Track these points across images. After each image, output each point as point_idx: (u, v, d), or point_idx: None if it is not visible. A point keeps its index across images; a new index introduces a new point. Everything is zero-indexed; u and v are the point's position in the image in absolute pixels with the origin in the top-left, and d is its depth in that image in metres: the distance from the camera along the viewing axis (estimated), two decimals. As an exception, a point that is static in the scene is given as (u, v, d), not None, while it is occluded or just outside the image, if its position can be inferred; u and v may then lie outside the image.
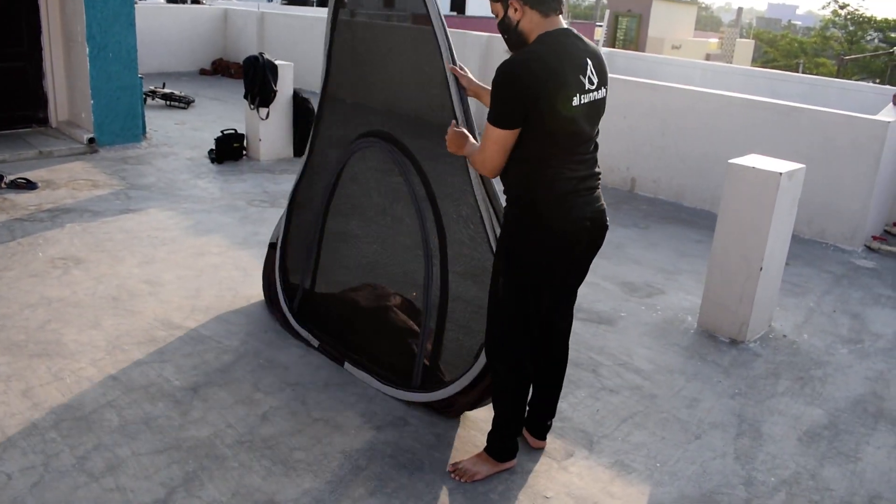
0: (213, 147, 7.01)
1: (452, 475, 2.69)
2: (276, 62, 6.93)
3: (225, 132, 7.01)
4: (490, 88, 2.37)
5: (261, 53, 6.89)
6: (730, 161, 3.94)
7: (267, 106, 6.96)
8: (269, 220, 5.39)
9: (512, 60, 2.29)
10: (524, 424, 2.86)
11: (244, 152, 7.20)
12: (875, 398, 3.57)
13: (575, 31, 2.40)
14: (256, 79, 6.82)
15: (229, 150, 7.01)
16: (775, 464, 2.99)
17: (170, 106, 9.33)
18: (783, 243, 4.07)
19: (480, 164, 2.45)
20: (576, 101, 2.31)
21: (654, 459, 2.93)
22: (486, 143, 2.37)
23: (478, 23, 25.22)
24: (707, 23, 71.09)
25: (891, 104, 5.73)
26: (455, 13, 28.37)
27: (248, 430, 2.90)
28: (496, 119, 2.31)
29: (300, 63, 8.83)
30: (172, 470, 2.63)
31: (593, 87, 2.37)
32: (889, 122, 5.38)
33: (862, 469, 3.00)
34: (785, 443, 3.13)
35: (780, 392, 3.55)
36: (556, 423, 3.06)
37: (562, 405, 3.22)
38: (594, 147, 2.50)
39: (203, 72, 12.34)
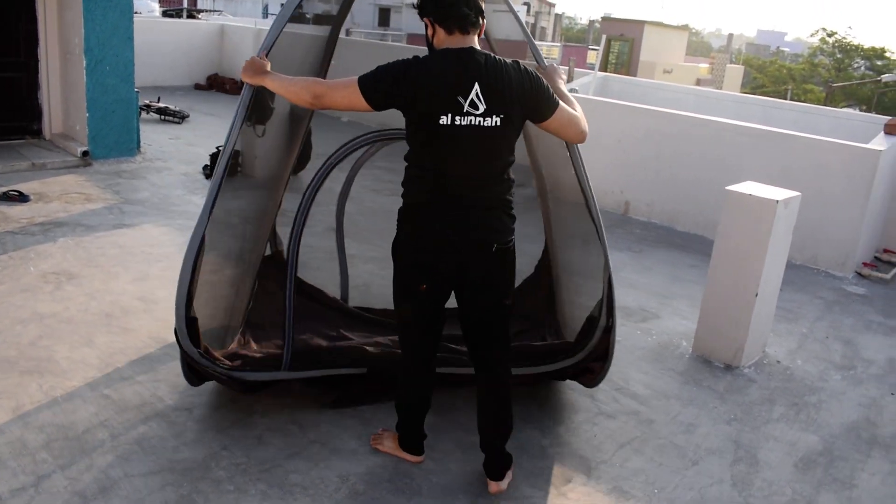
0: (208, 163, 6.99)
1: (372, 438, 2.98)
2: (273, 79, 6.93)
3: (220, 148, 6.99)
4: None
5: (258, 70, 6.90)
6: (727, 188, 3.97)
7: (263, 123, 6.95)
8: (264, 237, 5.37)
9: (415, 57, 2.41)
10: (484, 466, 2.78)
11: (238, 168, 7.17)
12: (869, 424, 3.58)
13: (484, 52, 2.41)
14: (252, 95, 6.81)
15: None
16: (772, 490, 2.98)
17: (164, 120, 9.32)
18: (778, 270, 4.10)
19: (321, 93, 2.48)
20: (444, 121, 2.32)
21: (653, 486, 2.91)
22: (342, 88, 2.43)
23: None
24: (697, 48, 72.01)
25: (882, 133, 5.80)
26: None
27: (244, 453, 2.86)
28: (367, 80, 2.38)
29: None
30: (166, 492, 2.60)
31: (477, 112, 2.34)
32: (881, 150, 5.45)
33: (857, 496, 3.00)
34: (781, 469, 3.13)
35: (775, 418, 3.55)
36: (554, 448, 3.05)
37: (559, 429, 3.22)
38: (491, 176, 2.45)
39: (198, 87, 12.35)
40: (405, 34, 24.36)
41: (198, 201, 6.12)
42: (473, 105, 2.33)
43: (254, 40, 12.14)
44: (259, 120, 7.04)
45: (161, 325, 3.86)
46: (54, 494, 2.53)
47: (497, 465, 2.74)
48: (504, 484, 2.73)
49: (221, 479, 2.70)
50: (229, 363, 3.01)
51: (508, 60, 2.44)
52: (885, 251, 6.18)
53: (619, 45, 30.13)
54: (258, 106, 7.10)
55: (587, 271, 3.41)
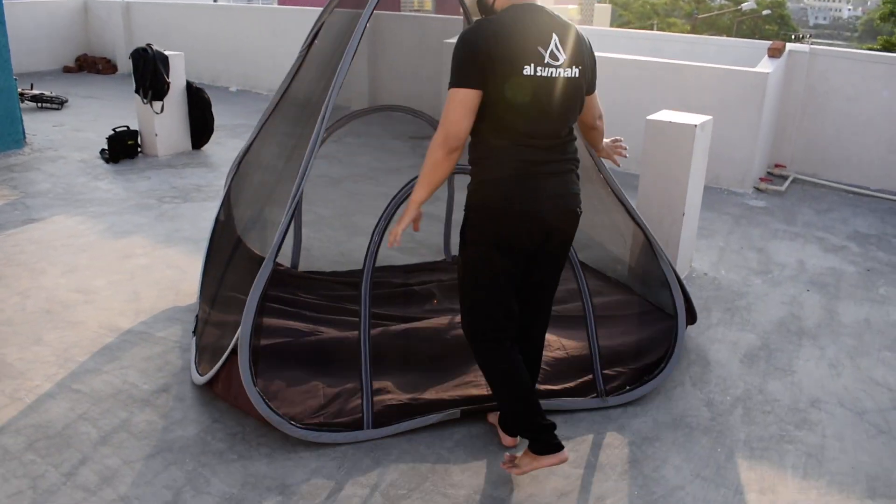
0: (105, 146, 6.63)
1: (505, 466, 2.60)
2: (167, 53, 6.63)
3: (117, 130, 6.64)
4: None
5: (149, 45, 6.57)
6: (648, 117, 4.22)
7: (161, 99, 6.65)
8: (187, 215, 5.22)
9: (468, 28, 2.32)
10: (499, 422, 2.79)
11: (139, 149, 6.86)
12: (794, 319, 3.98)
13: (548, 8, 2.38)
14: (147, 72, 6.50)
15: (124, 147, 6.66)
16: (727, 385, 3.30)
17: (42, 108, 8.70)
18: (699, 189, 4.42)
19: (444, 133, 2.25)
20: (528, 70, 2.23)
21: (625, 395, 3.15)
22: (448, 108, 2.25)
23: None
24: (562, -10, 73.39)
25: (766, 57, 6.27)
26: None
27: (236, 422, 2.86)
28: (456, 80, 2.24)
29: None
30: (171, 472, 2.58)
31: (557, 63, 2.28)
32: (768, 72, 5.90)
33: (798, 380, 3.37)
34: (730, 366, 3.46)
35: (714, 323, 3.89)
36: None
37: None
38: (566, 132, 2.40)
39: (67, 69, 11.53)
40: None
41: (104, 186, 5.84)
42: (553, 56, 2.26)
43: (122, 15, 11.43)
44: (156, 96, 6.76)
45: (108, 313, 3.73)
46: (54, 493, 2.46)
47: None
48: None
49: (222, 450, 2.70)
50: (302, 421, 2.77)
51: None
52: (777, 166, 6.73)
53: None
54: (154, 81, 6.80)
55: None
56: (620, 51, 7.50)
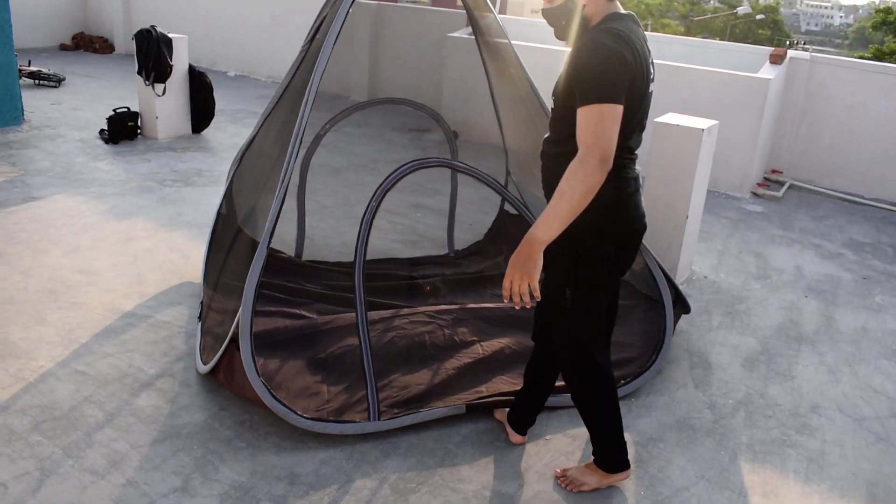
0: (105, 127, 6.58)
1: (560, 480, 2.58)
2: (170, 35, 6.57)
3: (118, 110, 6.59)
4: None
5: (153, 26, 6.51)
6: (656, 120, 4.24)
7: (163, 82, 6.60)
8: (188, 199, 5.20)
9: (603, 37, 2.08)
10: (507, 418, 2.80)
11: (138, 131, 6.81)
12: (793, 324, 4.03)
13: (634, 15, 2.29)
14: (150, 53, 6.44)
15: (124, 129, 6.61)
16: (729, 388, 3.34)
17: (39, 85, 8.60)
18: (702, 192, 4.45)
19: (600, 154, 2.00)
20: (652, 87, 2.22)
21: (629, 395, 3.19)
22: (600, 126, 2.01)
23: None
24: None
25: (767, 63, 6.31)
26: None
27: (243, 410, 2.86)
28: (607, 94, 2.01)
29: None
30: (180, 458, 2.58)
31: (651, 77, 2.22)
32: (770, 79, 5.95)
33: (799, 385, 3.42)
34: (731, 369, 3.50)
35: (715, 326, 3.93)
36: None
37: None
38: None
39: (63, 47, 11.39)
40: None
41: (104, 167, 5.79)
42: (649, 73, 2.20)
43: (122, -7, 11.31)
44: (158, 78, 6.71)
45: (112, 295, 3.71)
46: (63, 475, 2.46)
47: (529, 420, 2.78)
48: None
49: (230, 437, 2.71)
50: (309, 412, 2.75)
51: None
52: (773, 171, 6.79)
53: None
54: (157, 63, 6.75)
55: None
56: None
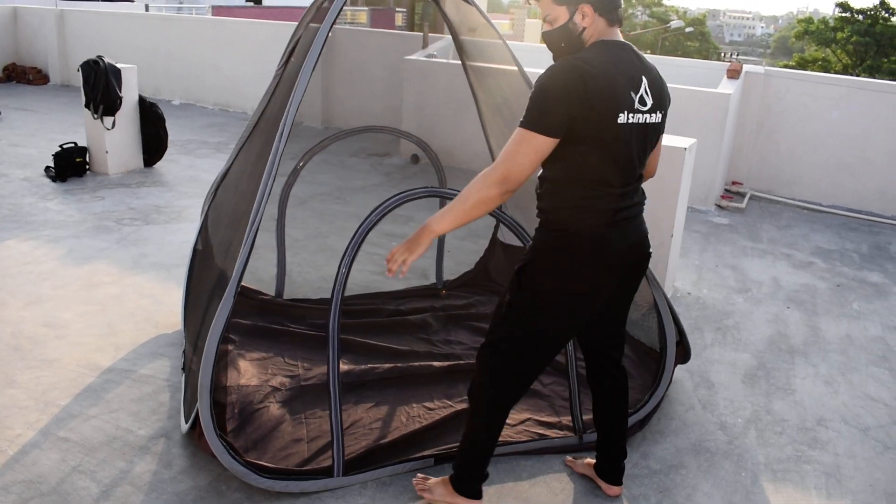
0: (51, 164, 6.24)
1: (415, 481, 2.61)
2: (119, 65, 6.30)
3: (64, 146, 6.26)
4: None
5: (100, 57, 6.23)
6: (636, 138, 4.24)
7: (112, 114, 6.31)
8: (151, 239, 4.95)
9: (560, 64, 2.08)
10: (597, 472, 2.70)
11: (87, 167, 6.49)
12: (782, 337, 4.07)
13: (633, 46, 2.23)
14: (98, 85, 6.16)
15: (72, 165, 6.29)
16: (735, 407, 3.32)
17: (-29, 121, 8.14)
18: (683, 210, 4.47)
19: (504, 173, 2.06)
20: (622, 119, 2.09)
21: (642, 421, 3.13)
22: (518, 149, 2.05)
23: (278, 13, 24.50)
24: (493, 7, 74.70)
25: (725, 78, 6.45)
26: (252, 3, 27.30)
27: (249, 468, 2.68)
28: (536, 124, 2.04)
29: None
30: (188, 526, 2.39)
31: (645, 109, 2.14)
32: (730, 94, 6.07)
33: (800, 398, 3.43)
34: (734, 387, 3.49)
35: (709, 343, 3.93)
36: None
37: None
38: (639, 177, 2.28)
39: (-7, 79, 10.87)
40: (209, 7, 22.81)
41: (55, 207, 5.48)
42: (642, 101, 2.13)
43: (56, 24, 10.85)
44: (107, 111, 6.42)
45: (84, 349, 3.46)
46: (59, 557, 2.24)
47: (622, 468, 2.68)
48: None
49: (240, 500, 2.52)
50: (267, 466, 2.58)
51: None
52: (734, 183, 6.93)
53: (423, 6, 30.46)
54: (105, 96, 6.47)
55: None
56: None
